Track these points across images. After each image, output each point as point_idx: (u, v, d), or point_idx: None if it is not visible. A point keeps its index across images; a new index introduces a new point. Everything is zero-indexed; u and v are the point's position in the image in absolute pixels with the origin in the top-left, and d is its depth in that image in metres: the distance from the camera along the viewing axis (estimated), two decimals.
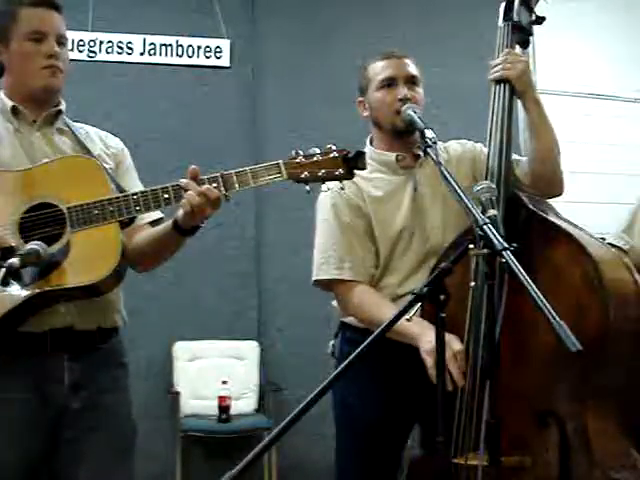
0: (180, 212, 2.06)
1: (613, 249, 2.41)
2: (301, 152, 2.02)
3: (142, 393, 4.91)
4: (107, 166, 2.26)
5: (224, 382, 4.91)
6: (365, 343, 1.67)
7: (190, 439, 4.88)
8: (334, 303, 2.57)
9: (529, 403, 2.12)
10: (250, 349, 5.21)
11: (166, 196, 2.05)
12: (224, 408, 4.84)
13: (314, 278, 2.50)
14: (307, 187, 2.02)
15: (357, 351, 1.66)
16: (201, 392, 5.03)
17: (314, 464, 4.92)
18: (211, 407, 4.93)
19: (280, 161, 2.02)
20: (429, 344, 2.10)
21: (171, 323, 5.15)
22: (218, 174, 2.04)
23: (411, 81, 2.48)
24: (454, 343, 2.14)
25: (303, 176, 2.01)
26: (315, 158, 2.01)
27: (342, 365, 1.65)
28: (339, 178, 2.01)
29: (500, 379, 1.87)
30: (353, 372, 1.67)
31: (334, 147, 2.02)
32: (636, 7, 6.06)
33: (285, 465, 4.96)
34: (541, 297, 1.54)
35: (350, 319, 2.52)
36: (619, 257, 2.29)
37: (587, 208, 5.35)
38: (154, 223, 2.28)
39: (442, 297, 1.78)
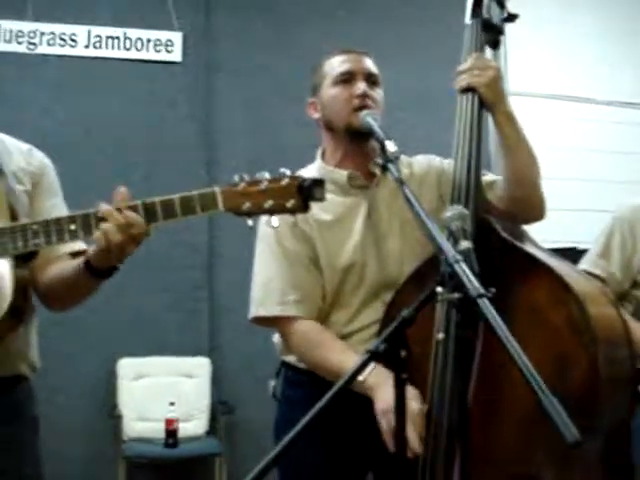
0: (93, 249, 1.72)
1: (592, 279, 2.11)
2: (246, 176, 1.65)
3: (81, 415, 4.64)
4: (21, 188, 1.92)
5: (171, 404, 4.57)
6: (313, 411, 1.43)
7: (134, 465, 4.55)
8: (275, 339, 2.26)
9: (503, 468, 1.80)
10: (201, 366, 4.89)
11: (72, 227, 1.68)
12: (171, 432, 4.51)
13: (253, 315, 2.17)
14: (249, 222, 1.66)
15: (307, 417, 1.43)
16: (147, 414, 4.68)
17: None
18: (158, 430, 4.58)
19: (216, 188, 1.64)
20: (384, 403, 1.81)
21: (114, 338, 4.82)
22: (138, 202, 1.67)
23: (371, 79, 2.18)
24: (412, 402, 1.81)
25: (245, 208, 1.63)
26: (262, 186, 1.64)
27: (293, 432, 1.44)
28: (290, 211, 1.64)
29: (469, 439, 1.57)
30: (298, 417, 1.43)
31: (288, 172, 1.65)
32: (614, 8, 5.84)
33: None
34: (530, 367, 1.22)
35: (291, 358, 2.22)
36: (603, 291, 1.98)
37: (558, 215, 5.11)
38: (76, 255, 1.90)
39: (403, 353, 1.45)
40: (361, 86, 2.14)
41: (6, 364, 1.88)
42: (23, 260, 1.79)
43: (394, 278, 2.11)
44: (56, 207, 2.00)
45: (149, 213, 1.66)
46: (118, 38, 5.06)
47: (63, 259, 1.92)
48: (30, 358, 1.96)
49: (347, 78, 2.17)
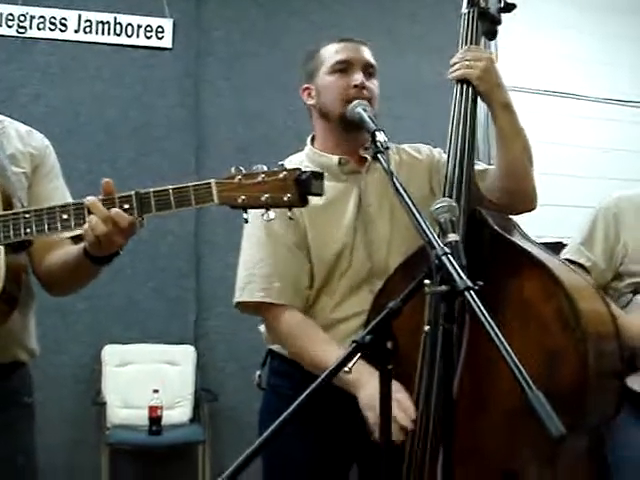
0: None
1: (573, 265, 2.10)
2: (243, 169, 1.61)
3: (66, 401, 4.61)
4: (20, 170, 1.90)
5: (155, 391, 4.55)
6: (297, 402, 1.43)
7: (118, 452, 4.52)
8: (262, 327, 2.25)
9: (489, 462, 1.80)
10: (185, 354, 4.86)
11: (65, 217, 1.67)
12: (155, 419, 4.49)
13: (236, 300, 2.16)
14: (245, 215, 1.62)
15: (291, 408, 1.43)
16: (131, 401, 4.65)
17: None
18: (142, 417, 4.55)
19: (212, 180, 1.60)
20: (369, 397, 1.81)
21: (100, 325, 4.78)
22: (132, 192, 1.64)
23: (368, 71, 2.16)
24: (396, 392, 1.79)
25: (240, 201, 1.59)
26: (258, 179, 1.60)
27: (276, 424, 1.43)
28: (287, 205, 1.60)
29: (455, 432, 1.55)
30: (284, 407, 1.42)
31: (285, 165, 1.62)
32: (610, 5, 5.84)
33: None
34: (516, 361, 1.22)
35: (278, 346, 2.21)
36: (591, 284, 1.98)
37: (551, 210, 5.12)
38: (77, 239, 1.87)
39: (389, 344, 1.45)
40: (358, 77, 2.12)
41: (3, 350, 1.87)
42: (17, 247, 1.76)
43: (382, 264, 2.11)
44: (58, 190, 1.99)
45: (143, 204, 1.63)
46: (109, 23, 4.99)
47: (64, 243, 1.90)
48: (28, 344, 1.95)
49: (344, 67, 2.14)
